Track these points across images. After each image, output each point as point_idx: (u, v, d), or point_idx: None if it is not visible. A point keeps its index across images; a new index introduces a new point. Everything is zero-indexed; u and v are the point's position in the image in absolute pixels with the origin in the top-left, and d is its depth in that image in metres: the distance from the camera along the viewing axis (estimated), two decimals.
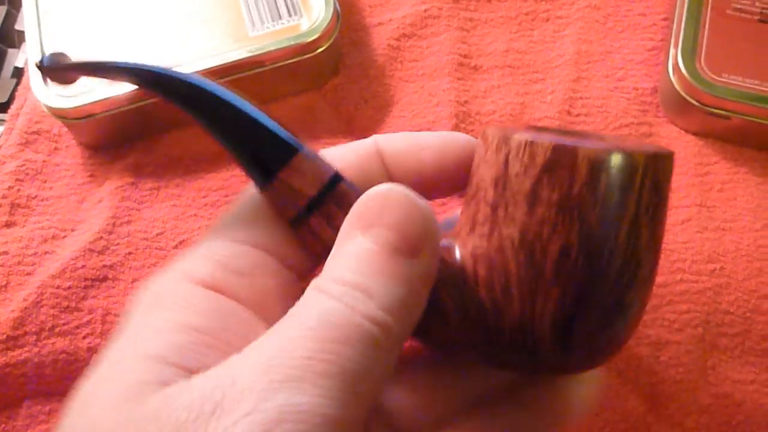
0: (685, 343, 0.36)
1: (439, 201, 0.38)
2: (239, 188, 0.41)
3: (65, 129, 0.44)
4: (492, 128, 0.26)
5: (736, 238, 0.38)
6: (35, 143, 0.43)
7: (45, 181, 0.42)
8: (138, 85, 0.27)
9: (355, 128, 0.43)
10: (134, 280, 0.38)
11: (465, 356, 0.27)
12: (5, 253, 0.39)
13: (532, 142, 0.23)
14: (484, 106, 0.43)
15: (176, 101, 0.26)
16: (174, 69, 0.26)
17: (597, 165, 0.22)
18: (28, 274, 0.39)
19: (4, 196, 0.41)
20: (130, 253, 0.39)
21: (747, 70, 0.38)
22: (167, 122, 0.43)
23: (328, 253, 0.24)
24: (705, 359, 0.36)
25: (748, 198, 0.39)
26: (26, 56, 0.45)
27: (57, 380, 0.37)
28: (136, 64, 0.27)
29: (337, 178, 0.25)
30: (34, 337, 0.37)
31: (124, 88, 0.40)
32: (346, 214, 0.23)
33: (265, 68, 0.41)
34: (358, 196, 0.24)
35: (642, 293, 0.25)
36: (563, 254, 0.23)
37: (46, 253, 0.39)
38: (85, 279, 0.38)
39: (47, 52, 0.41)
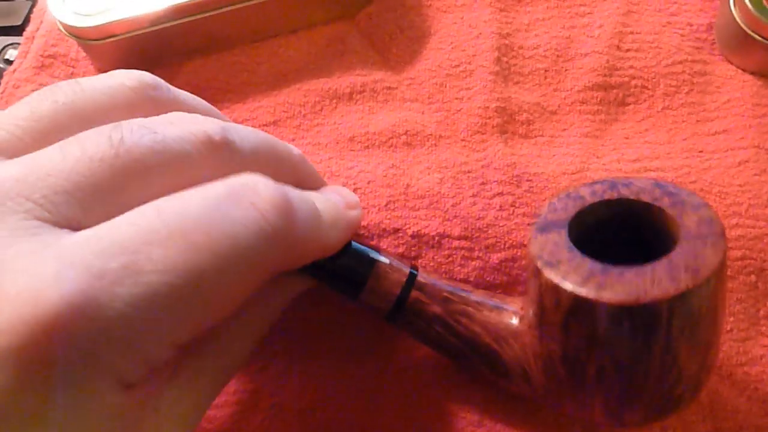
0: (737, 291, 0.34)
1: None
2: (266, 119, 0.39)
3: (82, 54, 0.41)
4: (533, 237, 0.27)
5: None
6: (51, 67, 0.41)
7: None
8: None
9: (389, 60, 0.40)
10: None
11: None
12: None
13: (556, 286, 0.25)
14: (527, 39, 0.40)
15: None
16: None
17: (616, 316, 0.24)
18: None
19: None
20: None
21: None
22: (190, 48, 0.40)
23: (424, 342, 0.31)
24: (758, 308, 0.34)
25: None
26: None
27: None
28: None
29: (410, 282, 0.30)
30: None
31: (146, 7, 0.37)
32: (432, 305, 0.30)
33: None
34: (437, 287, 0.30)
35: (695, 381, 0.26)
36: (600, 373, 0.25)
37: None
38: None
39: None
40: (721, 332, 0.26)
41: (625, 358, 0.25)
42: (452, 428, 0.32)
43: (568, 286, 0.24)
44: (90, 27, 0.37)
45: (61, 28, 0.38)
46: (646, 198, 0.28)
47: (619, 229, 0.28)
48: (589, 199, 0.29)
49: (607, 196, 0.29)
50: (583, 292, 0.24)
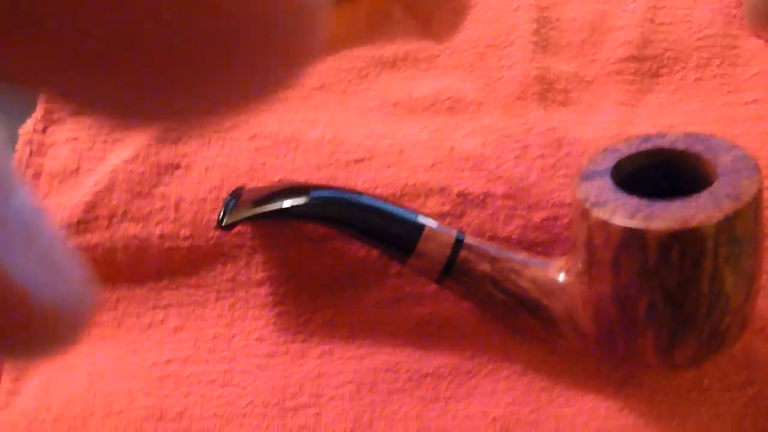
0: None
1: None
2: (312, 84, 0.40)
3: None
4: (578, 185, 0.29)
5: None
6: None
7: None
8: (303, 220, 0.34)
9: (431, 32, 0.42)
10: (207, 169, 0.37)
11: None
12: (75, 138, 0.38)
13: (606, 222, 0.26)
14: (564, 12, 0.42)
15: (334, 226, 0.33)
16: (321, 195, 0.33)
17: (666, 243, 0.25)
18: (100, 159, 0.38)
19: None
20: (203, 144, 0.38)
21: None
22: None
23: (474, 301, 0.33)
24: None
25: None
26: None
27: (127, 267, 0.36)
28: (292, 207, 0.32)
29: (458, 243, 0.31)
30: (107, 221, 0.36)
31: None
32: (481, 263, 0.31)
33: None
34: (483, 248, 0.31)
35: (740, 314, 0.27)
36: (651, 307, 0.26)
37: (116, 141, 0.38)
38: (159, 166, 0.37)
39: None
40: (762, 267, 0.28)
41: (674, 288, 0.26)
42: (498, 377, 0.33)
43: (617, 220, 0.26)
44: None
45: None
46: (680, 146, 0.29)
47: (657, 180, 0.29)
48: (626, 152, 0.30)
49: (642, 148, 0.30)
50: (633, 224, 0.25)
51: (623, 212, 0.26)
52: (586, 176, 0.30)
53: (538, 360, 0.34)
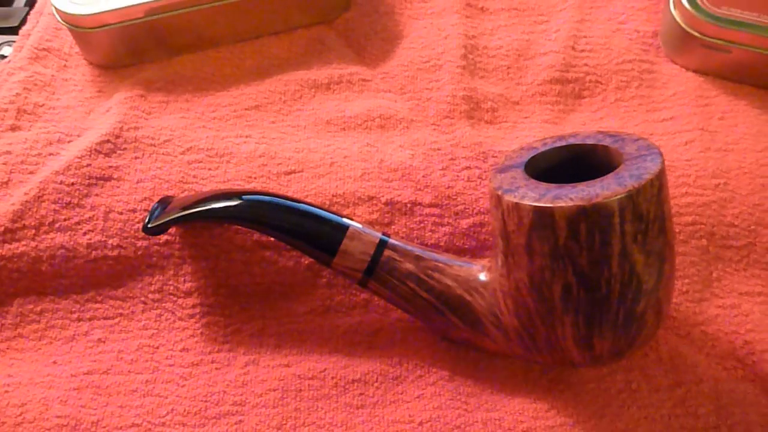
0: (691, 254, 0.36)
1: None
2: (248, 104, 0.41)
3: (75, 48, 0.44)
4: (492, 176, 0.30)
5: (738, 158, 0.38)
6: (45, 59, 0.43)
7: (53, 93, 0.42)
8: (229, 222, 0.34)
9: (365, 58, 0.44)
10: (139, 181, 0.37)
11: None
12: (8, 153, 0.38)
13: (517, 204, 0.27)
14: (491, 41, 0.44)
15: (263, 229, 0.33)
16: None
17: (573, 219, 0.26)
18: (31, 173, 0.38)
19: (11, 102, 0.41)
20: (136, 157, 0.38)
21: (745, 3, 0.40)
22: (178, 44, 0.43)
23: (397, 303, 0.32)
24: (710, 271, 0.36)
25: (749, 125, 0.40)
26: None
27: (52, 277, 0.36)
28: (216, 208, 0.33)
29: (383, 242, 0.32)
30: (33, 231, 0.36)
31: None
32: (405, 263, 0.31)
33: None
34: (408, 249, 0.32)
35: (654, 297, 0.28)
36: (566, 291, 0.27)
37: (50, 154, 0.39)
38: (90, 177, 0.37)
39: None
40: (673, 252, 0.28)
41: (586, 268, 0.26)
42: (425, 383, 0.33)
43: (527, 201, 0.27)
44: (85, 15, 0.40)
45: (57, 15, 0.40)
46: (590, 141, 0.31)
47: (571, 175, 0.30)
48: (541, 149, 0.31)
49: (556, 145, 0.31)
50: (541, 203, 0.26)
51: (532, 195, 0.27)
52: (501, 169, 0.31)
53: (465, 365, 0.34)
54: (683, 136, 0.39)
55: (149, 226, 0.34)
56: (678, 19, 0.41)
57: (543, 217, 0.26)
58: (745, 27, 0.39)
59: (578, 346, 0.29)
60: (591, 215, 0.25)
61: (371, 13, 0.45)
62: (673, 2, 0.41)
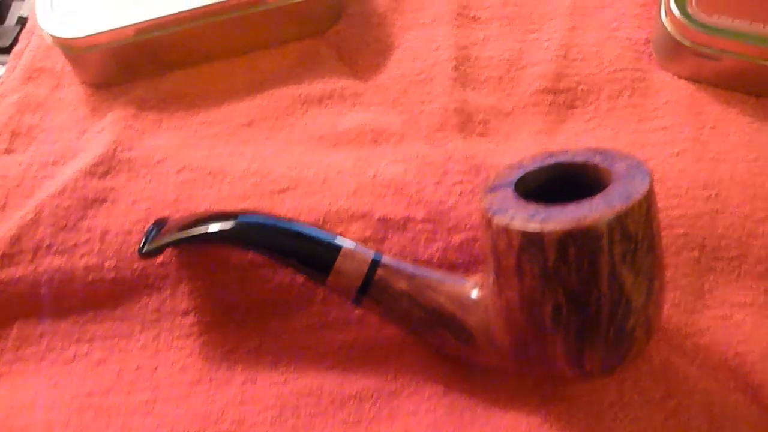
0: (682, 266, 0.36)
1: None
2: (241, 121, 0.42)
3: (68, 68, 0.44)
4: (483, 197, 0.30)
5: (730, 168, 0.38)
6: (38, 79, 0.43)
7: (46, 113, 0.42)
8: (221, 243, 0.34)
9: (357, 70, 0.44)
10: (134, 202, 0.38)
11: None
12: (4, 176, 0.39)
13: (506, 227, 0.27)
14: (483, 51, 0.44)
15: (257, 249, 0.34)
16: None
17: (562, 242, 0.26)
18: (27, 196, 0.38)
19: (5, 125, 0.41)
20: (131, 178, 0.39)
21: (736, 11, 0.40)
22: (170, 61, 0.43)
23: (391, 319, 0.33)
24: (702, 283, 0.36)
25: (741, 134, 0.40)
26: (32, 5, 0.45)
27: (51, 300, 0.36)
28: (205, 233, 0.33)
29: (376, 261, 0.32)
30: (31, 254, 0.36)
31: (130, 19, 0.40)
32: (398, 281, 0.31)
33: (268, 7, 0.42)
34: (401, 267, 0.32)
35: (644, 314, 0.28)
36: (556, 311, 0.27)
37: (45, 177, 0.39)
38: (85, 199, 0.38)
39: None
40: (662, 269, 0.29)
41: (576, 288, 0.27)
42: (420, 398, 0.33)
43: (516, 224, 0.27)
44: (76, 38, 0.40)
45: (49, 40, 0.41)
46: (580, 159, 0.31)
47: (561, 193, 0.31)
48: (531, 167, 0.32)
49: (546, 163, 0.32)
50: (530, 227, 0.26)
51: (522, 216, 0.27)
52: (492, 189, 0.31)
53: (459, 380, 0.34)
54: (675, 146, 0.39)
55: (144, 251, 0.34)
56: (669, 27, 0.41)
57: (532, 240, 0.26)
58: (736, 36, 0.39)
59: (569, 363, 0.29)
60: (579, 238, 0.26)
61: (363, 24, 0.45)
62: (665, 11, 0.41)
